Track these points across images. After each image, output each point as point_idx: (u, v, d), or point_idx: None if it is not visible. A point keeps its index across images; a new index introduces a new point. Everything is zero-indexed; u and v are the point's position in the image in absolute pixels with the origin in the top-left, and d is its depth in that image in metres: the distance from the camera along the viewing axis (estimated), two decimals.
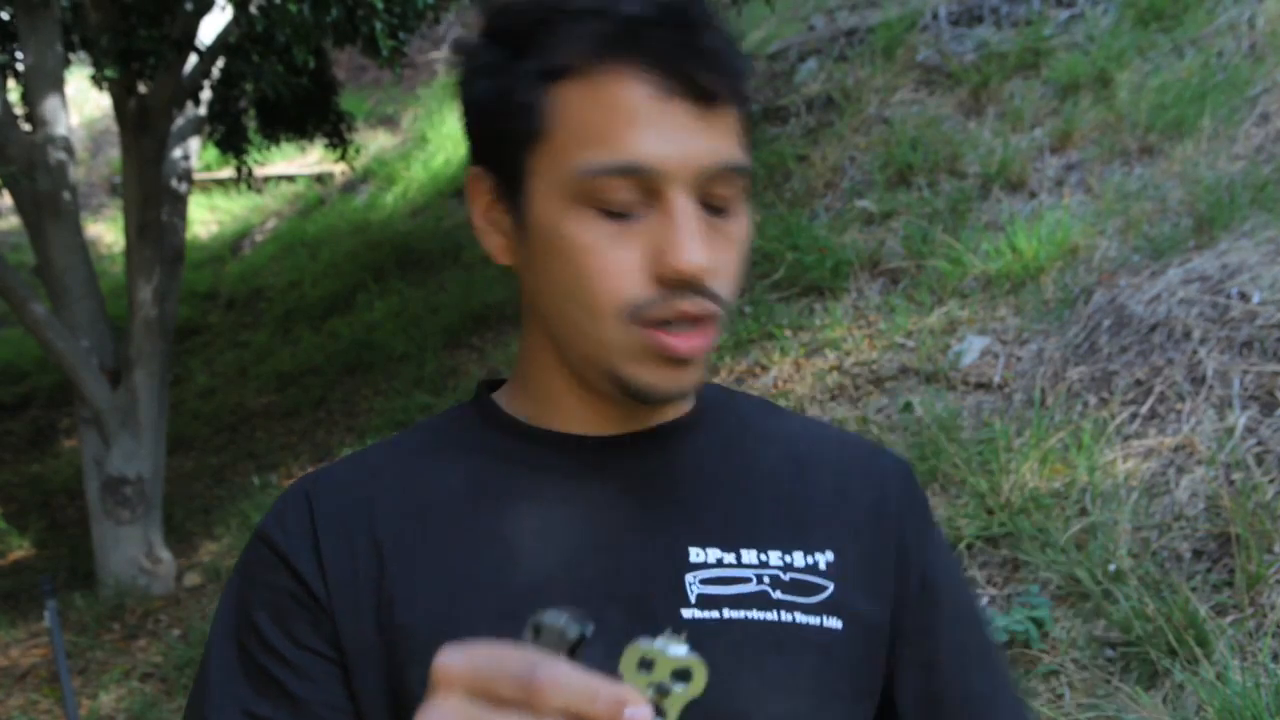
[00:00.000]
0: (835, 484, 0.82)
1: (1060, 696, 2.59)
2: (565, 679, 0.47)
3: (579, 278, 0.72)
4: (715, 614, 0.74)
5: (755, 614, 0.74)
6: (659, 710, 0.48)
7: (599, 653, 0.72)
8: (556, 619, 0.50)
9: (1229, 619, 2.55)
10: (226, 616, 0.78)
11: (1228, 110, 4.49)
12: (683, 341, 0.71)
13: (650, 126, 0.69)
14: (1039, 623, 2.73)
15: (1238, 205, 3.85)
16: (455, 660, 0.50)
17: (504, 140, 0.74)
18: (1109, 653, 2.65)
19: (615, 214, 0.70)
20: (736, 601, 0.75)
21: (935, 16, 6.11)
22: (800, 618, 0.75)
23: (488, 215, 0.78)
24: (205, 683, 0.77)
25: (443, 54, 11.53)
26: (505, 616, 0.71)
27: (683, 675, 0.49)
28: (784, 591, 0.76)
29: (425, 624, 0.73)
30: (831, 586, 0.77)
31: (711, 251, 0.71)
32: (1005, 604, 2.88)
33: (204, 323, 9.14)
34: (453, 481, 0.78)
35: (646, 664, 0.49)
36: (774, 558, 0.77)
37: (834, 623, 0.76)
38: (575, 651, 0.50)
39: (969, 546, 3.09)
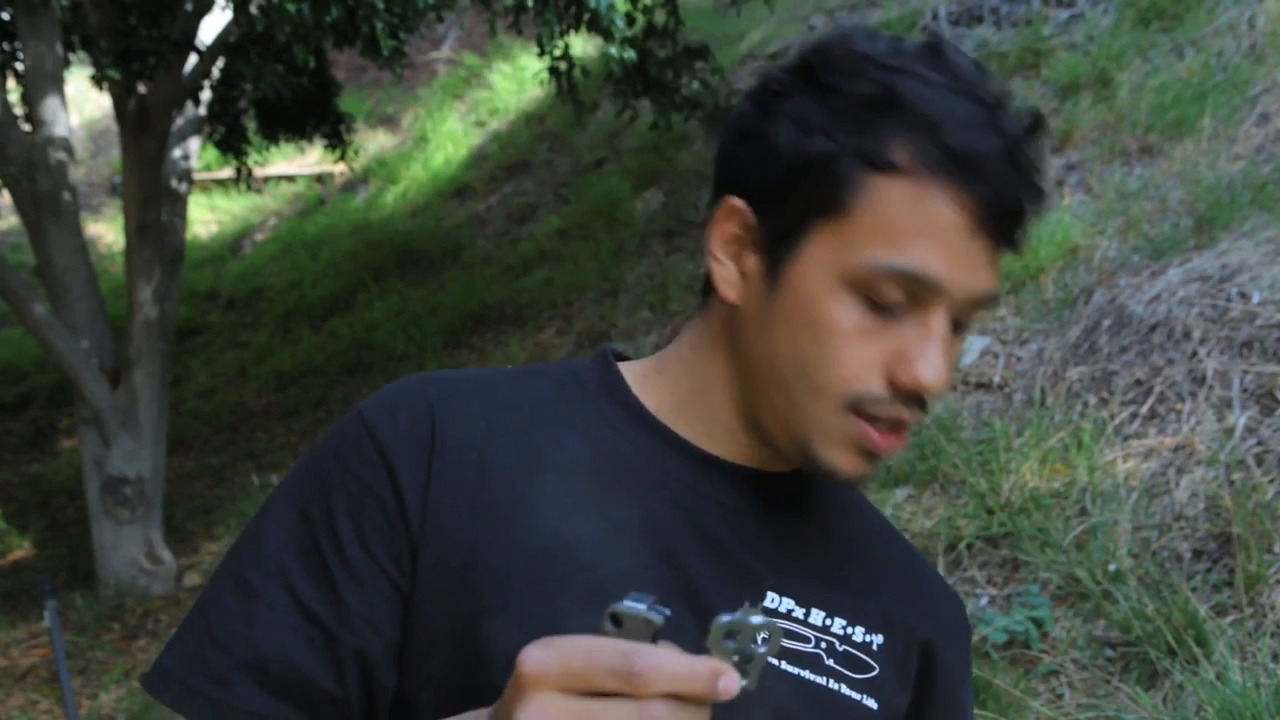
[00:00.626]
0: (900, 579, 0.86)
1: (1060, 696, 2.59)
2: (663, 664, 0.49)
3: (820, 356, 0.73)
4: (775, 663, 0.75)
5: (808, 674, 0.76)
6: (743, 674, 0.52)
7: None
8: (637, 608, 0.51)
9: (1229, 619, 2.55)
10: (301, 482, 0.75)
11: (1228, 110, 4.49)
12: (886, 441, 0.73)
13: (952, 251, 0.70)
14: (1039, 623, 2.73)
15: (1238, 205, 3.85)
16: (543, 657, 0.50)
17: (796, 198, 0.73)
18: (1109, 653, 2.65)
19: (878, 310, 0.72)
20: (795, 657, 0.76)
21: (935, 16, 6.11)
22: (845, 690, 0.77)
23: (731, 249, 0.77)
24: (257, 543, 0.74)
25: (443, 54, 11.53)
26: (597, 593, 0.71)
27: (762, 639, 0.52)
28: (836, 661, 0.77)
29: (521, 574, 0.71)
30: (878, 669, 0.79)
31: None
32: (1005, 604, 2.88)
33: (204, 323, 9.14)
34: (575, 450, 0.77)
35: (731, 635, 0.52)
36: (837, 625, 0.79)
37: (871, 703, 0.78)
38: (655, 639, 0.51)
39: (969, 546, 3.09)
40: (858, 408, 0.72)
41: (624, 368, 0.84)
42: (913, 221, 0.70)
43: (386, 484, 0.73)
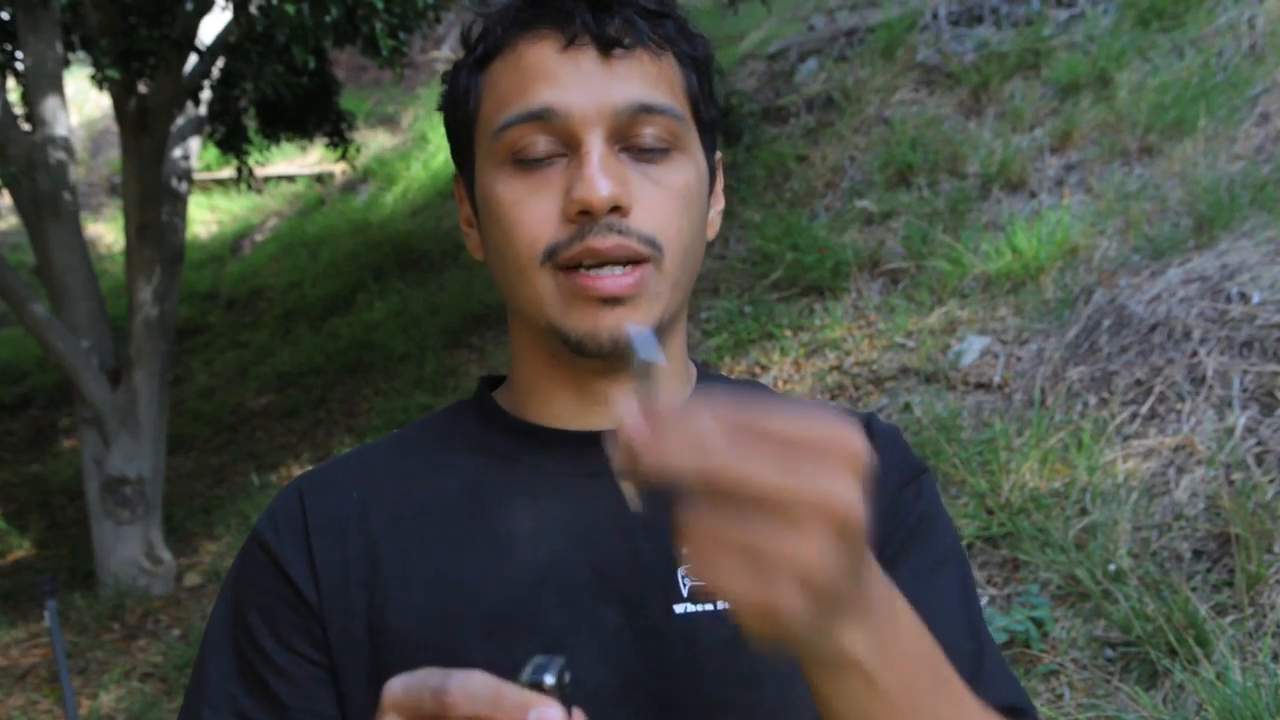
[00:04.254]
0: None
1: (1060, 696, 2.59)
2: (473, 687, 0.49)
3: (505, 233, 0.75)
4: (708, 606, 0.74)
5: None
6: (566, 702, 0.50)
7: (594, 654, 0.73)
8: (529, 671, 0.51)
9: (1229, 619, 2.55)
10: (222, 612, 0.79)
11: (1228, 110, 4.49)
12: (606, 280, 0.72)
13: (555, 76, 0.73)
14: (1039, 623, 2.73)
15: (1238, 205, 3.85)
16: (395, 685, 0.52)
17: (457, 133, 0.80)
18: (1109, 653, 2.65)
19: (532, 166, 0.74)
20: None
21: (935, 16, 6.11)
22: None
23: (466, 215, 0.82)
24: (202, 678, 0.77)
25: (443, 54, 11.53)
26: (495, 618, 0.72)
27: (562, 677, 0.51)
28: None
29: (417, 626, 0.73)
30: None
31: (630, 190, 0.72)
32: (1005, 604, 2.88)
33: (204, 323, 9.14)
34: (448, 482, 0.79)
35: (539, 671, 0.51)
36: None
37: None
38: (564, 695, 0.50)
39: (969, 546, 3.09)
40: (555, 260, 0.73)
41: (502, 385, 0.87)
42: (513, 77, 0.74)
43: (282, 581, 0.76)
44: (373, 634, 0.74)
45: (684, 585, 0.75)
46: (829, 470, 0.49)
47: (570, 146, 0.73)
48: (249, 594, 0.78)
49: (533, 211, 0.73)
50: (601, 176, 0.71)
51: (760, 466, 0.48)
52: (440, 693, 0.49)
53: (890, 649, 0.58)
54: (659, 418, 0.49)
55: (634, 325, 0.52)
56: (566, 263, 0.72)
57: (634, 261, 0.73)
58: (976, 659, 0.76)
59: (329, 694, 0.75)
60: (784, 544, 0.48)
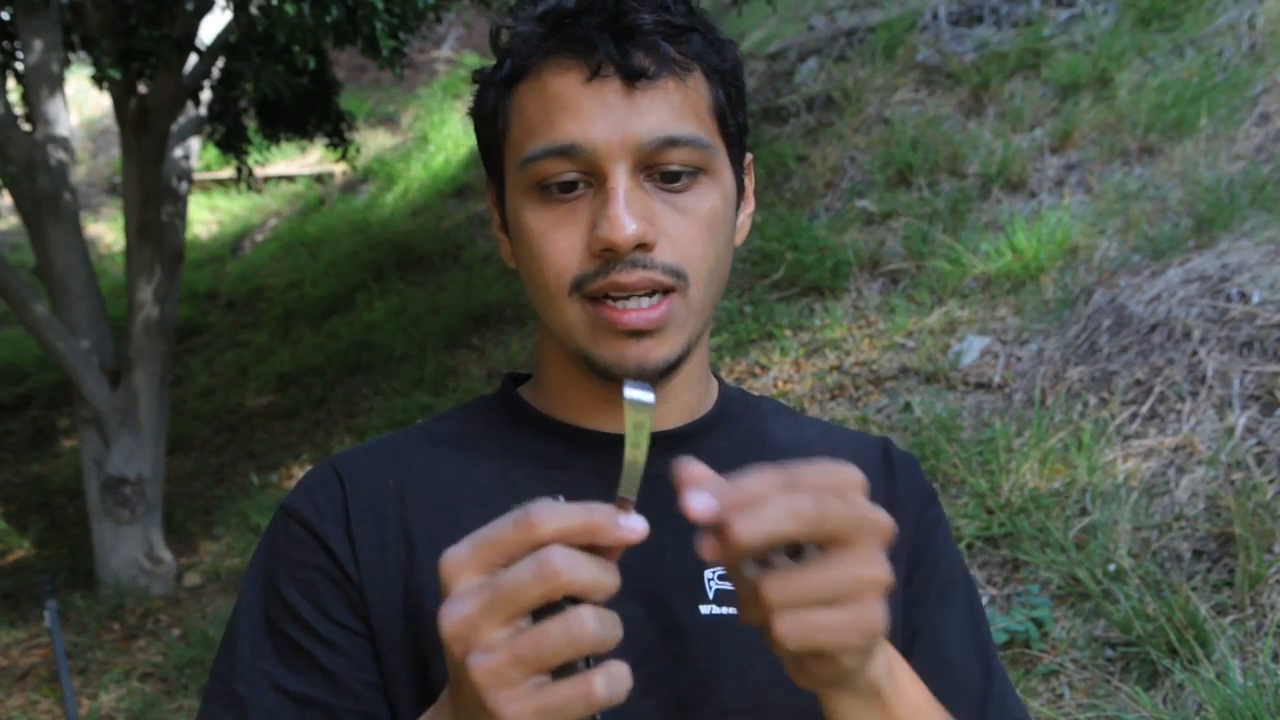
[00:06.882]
0: None
1: (1060, 696, 2.59)
2: (559, 507, 0.52)
3: (534, 261, 0.76)
4: (731, 610, 0.76)
5: None
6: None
7: (619, 648, 0.73)
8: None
9: (1229, 619, 2.55)
10: (253, 592, 0.79)
11: (1228, 110, 4.49)
12: (632, 314, 0.73)
13: (580, 110, 0.73)
14: (1039, 623, 2.73)
15: (1238, 205, 3.85)
16: (457, 547, 0.54)
17: (488, 147, 0.80)
18: (1109, 653, 2.65)
19: (559, 198, 0.74)
20: None
21: (935, 16, 6.11)
22: None
23: (498, 222, 0.83)
24: (233, 658, 0.77)
25: (443, 54, 11.53)
26: None
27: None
28: None
29: None
30: None
31: (653, 222, 0.73)
32: (1005, 604, 2.88)
33: (204, 323, 9.14)
34: (480, 477, 0.81)
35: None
36: None
37: None
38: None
39: (969, 546, 3.09)
40: (581, 291, 0.74)
41: (527, 384, 0.88)
42: (539, 106, 0.74)
43: (323, 555, 0.77)
44: (408, 618, 0.75)
45: (710, 588, 0.77)
46: (859, 498, 0.57)
47: (596, 178, 0.74)
48: (284, 570, 0.78)
49: (559, 243, 0.74)
50: (626, 215, 0.71)
51: (829, 505, 0.55)
52: (523, 522, 0.52)
53: (899, 673, 0.64)
54: (731, 492, 0.55)
55: (631, 385, 0.57)
56: (593, 294, 0.74)
57: (659, 291, 0.74)
58: (985, 689, 0.82)
59: (374, 664, 0.75)
60: (860, 568, 0.56)
